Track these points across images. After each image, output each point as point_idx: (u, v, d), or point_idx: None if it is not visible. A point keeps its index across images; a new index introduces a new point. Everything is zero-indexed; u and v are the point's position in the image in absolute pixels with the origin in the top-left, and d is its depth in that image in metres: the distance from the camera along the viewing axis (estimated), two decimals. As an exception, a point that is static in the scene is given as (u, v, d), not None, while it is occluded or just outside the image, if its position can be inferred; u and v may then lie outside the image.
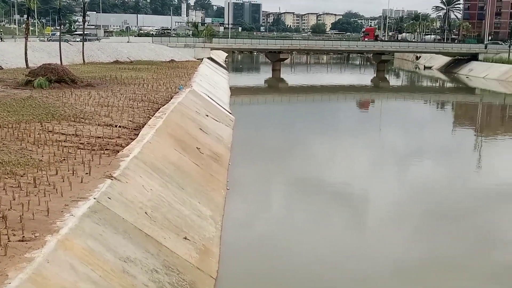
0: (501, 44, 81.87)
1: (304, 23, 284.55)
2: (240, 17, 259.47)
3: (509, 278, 10.82)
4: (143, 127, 15.72)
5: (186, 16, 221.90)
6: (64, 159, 11.60)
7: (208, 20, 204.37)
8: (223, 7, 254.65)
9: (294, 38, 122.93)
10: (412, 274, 11.00)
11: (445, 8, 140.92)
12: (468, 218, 14.64)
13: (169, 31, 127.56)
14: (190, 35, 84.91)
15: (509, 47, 73.26)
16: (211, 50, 69.14)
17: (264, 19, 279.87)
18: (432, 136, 28.67)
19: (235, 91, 44.76)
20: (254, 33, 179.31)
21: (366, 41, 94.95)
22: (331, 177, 18.52)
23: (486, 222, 14.31)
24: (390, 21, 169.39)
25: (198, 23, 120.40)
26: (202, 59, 59.32)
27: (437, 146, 25.43)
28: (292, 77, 72.52)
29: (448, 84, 67.63)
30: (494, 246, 12.58)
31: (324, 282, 10.54)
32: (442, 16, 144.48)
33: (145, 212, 10.18)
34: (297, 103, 45.02)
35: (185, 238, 10.42)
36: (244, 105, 40.08)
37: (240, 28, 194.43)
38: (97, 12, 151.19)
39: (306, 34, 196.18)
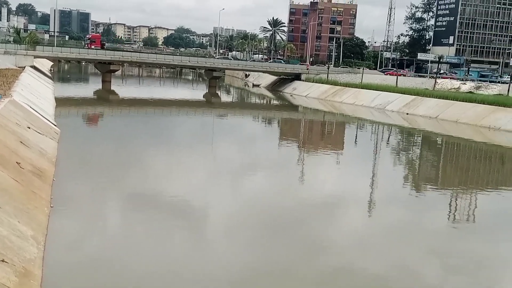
0: (304, 64, 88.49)
1: (135, 35, 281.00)
2: (68, 25, 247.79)
3: (333, 282, 11.61)
4: (-48, 140, 14.10)
5: (7, 21, 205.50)
6: None
7: (32, 26, 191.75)
8: (49, 14, 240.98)
9: (125, 49, 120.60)
10: (244, 284, 11.27)
11: (272, 29, 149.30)
12: (296, 227, 15.46)
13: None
14: (11, 42, 78.82)
15: (328, 68, 79.86)
16: (34, 58, 64.91)
17: (93, 29, 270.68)
18: (260, 151, 29.96)
19: (61, 102, 42.44)
20: (83, 42, 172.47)
21: (92, 48, 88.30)
22: (164, 190, 18.34)
23: (311, 230, 15.23)
24: (221, 39, 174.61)
25: (20, 29, 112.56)
26: (25, 67, 55.39)
27: (265, 160, 26.60)
28: (123, 89, 70.98)
29: (275, 102, 71.43)
30: (319, 252, 13.42)
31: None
32: (269, 37, 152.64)
33: (-46, 235, 9.09)
34: (129, 116, 44.07)
35: (3, 260, 9.51)
36: (71, 117, 38.13)
37: (67, 37, 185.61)
38: None
39: (136, 46, 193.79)
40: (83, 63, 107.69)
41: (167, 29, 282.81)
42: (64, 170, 18.87)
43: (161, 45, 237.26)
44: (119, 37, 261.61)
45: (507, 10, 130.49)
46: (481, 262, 13.55)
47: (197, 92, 77.68)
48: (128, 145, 27.63)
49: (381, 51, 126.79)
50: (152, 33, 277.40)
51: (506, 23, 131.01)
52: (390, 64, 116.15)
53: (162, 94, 68.49)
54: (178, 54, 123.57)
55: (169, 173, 21.73)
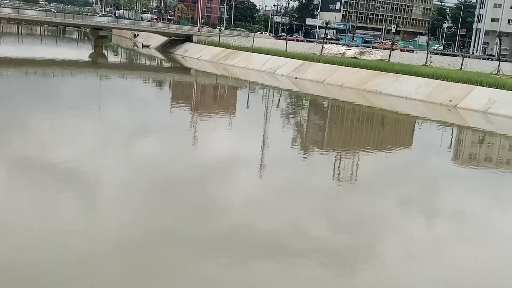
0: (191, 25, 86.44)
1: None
2: None
3: (226, 242, 11.81)
4: None
5: None
6: None
7: None
8: None
9: (2, 5, 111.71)
10: (135, 248, 11.13)
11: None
12: (188, 190, 15.46)
13: None
14: None
15: (219, 31, 79.47)
16: None
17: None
18: (151, 114, 29.39)
19: None
20: None
21: None
22: (48, 155, 17.48)
23: (204, 194, 15.31)
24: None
25: None
26: None
27: (156, 124, 26.17)
28: (0, 48, 66.05)
29: (166, 64, 70.09)
30: (212, 215, 13.55)
31: (42, 266, 9.92)
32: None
33: None
34: (7, 76, 41.17)
35: None
36: None
37: None
38: None
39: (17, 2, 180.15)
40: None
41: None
42: None
43: (43, 1, 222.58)
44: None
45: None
46: (364, 219, 14.42)
47: (82, 52, 74.06)
48: (7, 107, 25.87)
49: (271, 15, 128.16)
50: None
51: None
52: (280, 28, 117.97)
53: (44, 53, 64.62)
54: (60, 11, 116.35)
55: (54, 137, 20.71)
